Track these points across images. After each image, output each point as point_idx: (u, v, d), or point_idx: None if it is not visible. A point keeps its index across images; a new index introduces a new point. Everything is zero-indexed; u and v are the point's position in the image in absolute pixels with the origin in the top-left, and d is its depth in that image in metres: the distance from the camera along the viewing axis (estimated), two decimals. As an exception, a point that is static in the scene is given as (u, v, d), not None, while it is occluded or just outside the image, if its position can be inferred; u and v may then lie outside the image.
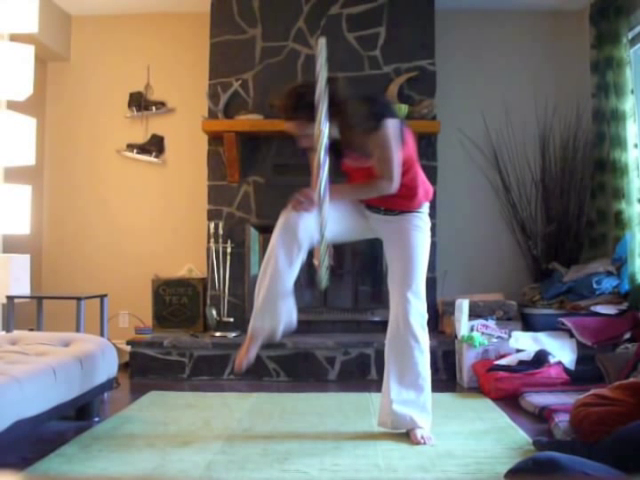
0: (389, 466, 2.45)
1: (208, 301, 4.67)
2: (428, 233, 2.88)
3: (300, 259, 2.66)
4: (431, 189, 2.91)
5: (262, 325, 2.66)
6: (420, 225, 2.83)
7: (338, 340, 4.32)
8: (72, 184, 5.13)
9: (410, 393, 2.78)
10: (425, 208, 2.88)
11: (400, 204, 2.79)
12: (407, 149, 2.70)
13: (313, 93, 2.44)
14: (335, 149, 2.62)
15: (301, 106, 2.52)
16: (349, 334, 4.54)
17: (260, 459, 2.53)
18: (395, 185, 2.63)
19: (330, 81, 2.50)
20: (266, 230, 4.65)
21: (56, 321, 4.22)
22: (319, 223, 2.50)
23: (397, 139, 2.61)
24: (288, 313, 2.66)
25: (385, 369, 2.85)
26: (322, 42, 2.41)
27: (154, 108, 5.06)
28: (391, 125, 2.59)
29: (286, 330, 2.69)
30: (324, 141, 2.37)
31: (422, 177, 2.83)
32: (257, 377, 4.18)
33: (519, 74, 5.06)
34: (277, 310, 2.64)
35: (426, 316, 2.83)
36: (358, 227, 2.87)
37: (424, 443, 2.69)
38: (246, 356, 2.66)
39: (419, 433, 2.73)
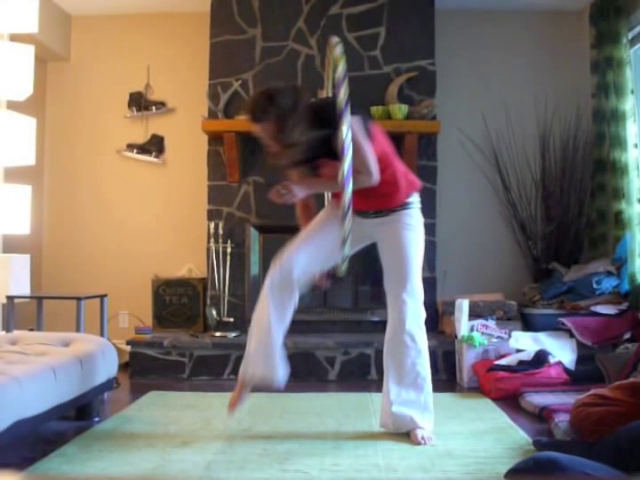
0: (389, 466, 2.45)
1: (208, 301, 4.67)
2: (420, 230, 2.85)
3: (293, 304, 2.75)
4: (417, 180, 2.89)
5: (252, 373, 2.76)
6: (411, 223, 2.81)
7: (338, 340, 4.32)
8: (72, 184, 5.13)
9: (410, 393, 2.78)
10: (415, 203, 2.85)
11: (386, 202, 2.77)
12: (378, 144, 2.68)
13: (283, 97, 2.53)
14: (309, 161, 2.67)
15: (270, 108, 2.52)
16: (349, 334, 4.54)
17: (260, 459, 2.53)
18: (375, 177, 2.61)
19: (298, 92, 2.58)
20: (266, 230, 4.68)
21: (56, 321, 4.22)
22: (311, 254, 2.73)
23: (363, 132, 2.60)
24: (275, 368, 2.76)
25: (384, 370, 2.85)
26: (340, 47, 2.45)
27: (154, 108, 5.06)
28: (353, 122, 2.56)
29: (275, 385, 2.80)
30: (350, 149, 2.37)
31: (402, 170, 2.81)
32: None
33: (519, 74, 5.06)
34: (266, 362, 2.75)
35: (423, 315, 2.82)
36: (355, 238, 2.88)
37: (424, 443, 2.69)
38: (239, 401, 2.81)
39: (420, 433, 2.73)
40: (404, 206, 2.81)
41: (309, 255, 2.76)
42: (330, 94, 2.82)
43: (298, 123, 2.53)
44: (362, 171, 2.59)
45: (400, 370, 2.78)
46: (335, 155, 2.58)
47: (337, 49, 2.44)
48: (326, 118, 2.55)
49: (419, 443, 2.69)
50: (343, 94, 2.36)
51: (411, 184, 2.83)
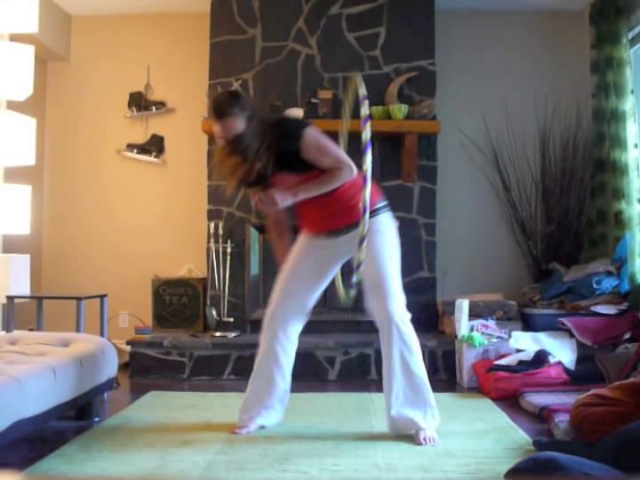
0: (389, 466, 2.45)
1: (208, 301, 4.67)
2: (392, 233, 2.87)
3: (293, 352, 2.95)
4: (378, 189, 2.93)
5: (249, 416, 2.94)
6: (381, 229, 2.82)
7: (338, 340, 4.32)
8: (72, 184, 5.13)
9: (407, 394, 2.77)
10: (383, 209, 2.87)
11: (354, 215, 2.72)
12: None
13: (246, 99, 2.73)
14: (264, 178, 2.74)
15: (236, 103, 2.64)
16: (349, 334, 4.54)
17: (260, 459, 2.53)
18: (352, 166, 2.70)
19: (256, 103, 2.68)
20: (266, 230, 4.66)
21: (56, 321, 4.22)
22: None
23: (323, 136, 2.72)
24: (255, 416, 2.94)
25: (383, 373, 2.85)
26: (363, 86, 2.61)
27: (154, 108, 5.06)
28: (309, 129, 2.70)
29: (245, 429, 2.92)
30: (370, 165, 2.52)
31: (359, 183, 2.83)
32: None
33: (519, 74, 5.06)
34: (249, 409, 2.95)
35: (407, 315, 2.81)
36: (332, 261, 2.93)
37: (427, 444, 2.69)
38: (246, 429, 2.91)
39: (422, 435, 2.73)
40: (372, 214, 2.80)
41: (299, 299, 2.90)
42: (348, 127, 3.00)
43: (260, 127, 2.66)
44: (339, 166, 2.69)
45: (395, 372, 2.78)
46: (290, 169, 2.70)
47: (362, 87, 2.60)
48: (284, 133, 2.68)
49: (421, 444, 2.69)
50: (367, 133, 2.52)
51: (374, 192, 2.85)
